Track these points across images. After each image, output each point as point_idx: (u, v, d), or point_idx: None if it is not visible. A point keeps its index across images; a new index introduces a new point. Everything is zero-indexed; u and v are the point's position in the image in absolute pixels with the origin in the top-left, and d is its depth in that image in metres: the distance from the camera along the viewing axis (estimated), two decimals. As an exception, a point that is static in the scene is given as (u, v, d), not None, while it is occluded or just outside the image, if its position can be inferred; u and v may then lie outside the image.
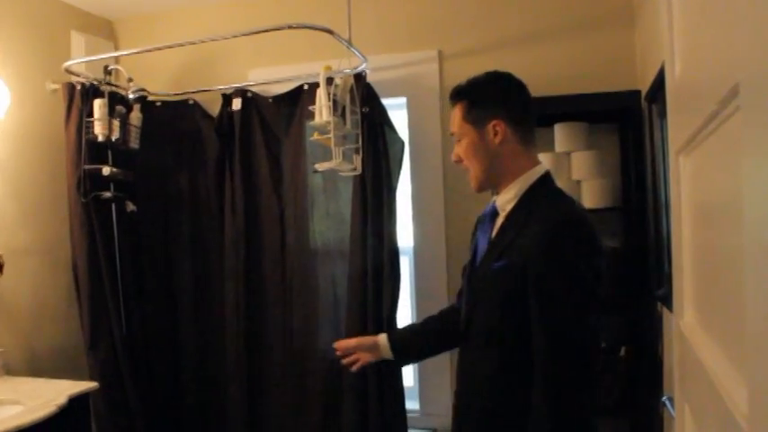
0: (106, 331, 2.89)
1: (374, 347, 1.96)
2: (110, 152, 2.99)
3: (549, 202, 1.60)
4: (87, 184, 2.86)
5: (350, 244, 2.81)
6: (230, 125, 3.05)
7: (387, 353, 1.95)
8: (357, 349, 1.97)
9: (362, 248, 2.75)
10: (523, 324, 1.51)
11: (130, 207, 3.01)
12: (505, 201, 1.65)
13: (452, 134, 1.72)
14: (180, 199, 3.18)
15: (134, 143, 3.01)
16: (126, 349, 2.93)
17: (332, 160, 2.52)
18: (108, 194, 2.91)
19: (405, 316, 2.99)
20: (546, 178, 1.65)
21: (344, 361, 1.99)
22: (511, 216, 1.63)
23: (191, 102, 3.19)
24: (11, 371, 2.76)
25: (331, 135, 2.48)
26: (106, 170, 2.86)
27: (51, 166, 3.02)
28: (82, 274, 2.88)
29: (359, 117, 2.67)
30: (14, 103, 2.77)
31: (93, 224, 2.88)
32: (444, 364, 2.92)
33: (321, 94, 2.49)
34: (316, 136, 2.52)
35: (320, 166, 2.54)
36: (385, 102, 2.82)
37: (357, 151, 2.66)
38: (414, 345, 1.98)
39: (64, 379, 2.65)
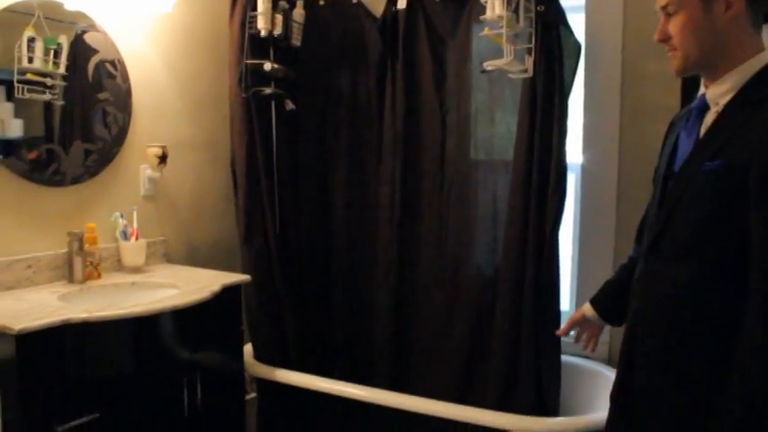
0: (260, 227, 2.90)
1: (586, 321, 1.91)
2: (272, 49, 2.94)
3: None
4: (248, 80, 2.82)
5: (514, 154, 2.61)
6: (394, 25, 2.91)
7: (594, 317, 1.88)
8: (575, 327, 1.95)
9: (527, 160, 2.54)
10: (736, 234, 1.32)
11: (290, 106, 2.96)
12: (720, 93, 1.41)
13: (664, 6, 1.42)
14: (339, 100, 3.09)
15: (296, 40, 2.94)
16: (278, 246, 2.93)
17: (502, 59, 2.33)
18: (268, 91, 2.87)
19: (566, 236, 2.79)
20: None
21: (583, 345, 1.97)
22: (727, 110, 1.39)
23: (354, 1, 3.06)
24: (170, 259, 2.85)
25: (503, 31, 2.28)
26: (267, 66, 2.81)
27: (215, 62, 3.03)
28: (239, 169, 2.88)
29: (533, 15, 2.44)
30: (181, -1, 2.78)
31: (253, 120, 2.86)
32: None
33: (495, -15, 2.29)
34: (486, 32, 2.34)
35: (489, 65, 2.36)
36: (562, 3, 2.56)
37: (529, 52, 2.44)
38: (615, 299, 1.83)
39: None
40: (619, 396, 1.62)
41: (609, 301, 1.87)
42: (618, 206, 2.72)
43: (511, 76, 2.52)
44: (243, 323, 2.64)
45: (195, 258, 2.97)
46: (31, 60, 2.29)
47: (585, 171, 2.80)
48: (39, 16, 2.31)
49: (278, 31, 2.83)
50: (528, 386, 2.54)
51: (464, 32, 2.78)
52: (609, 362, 2.70)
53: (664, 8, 1.43)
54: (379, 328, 2.98)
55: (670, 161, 1.54)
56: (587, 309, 1.89)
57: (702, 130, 1.45)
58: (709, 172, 1.36)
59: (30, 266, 2.32)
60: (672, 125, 1.69)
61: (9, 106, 2.26)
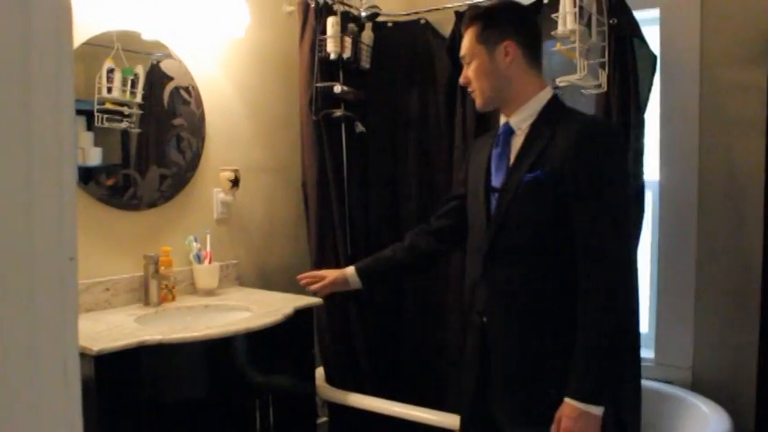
0: (331, 251, 2.89)
1: (345, 282, 2.13)
2: (341, 71, 2.95)
3: (574, 113, 1.71)
4: (319, 102, 2.84)
5: (588, 172, 2.54)
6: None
7: (356, 283, 2.12)
8: (331, 287, 2.15)
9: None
10: (559, 232, 1.60)
11: (359, 128, 2.97)
12: (521, 119, 1.72)
13: (462, 57, 1.78)
14: (408, 121, 3.08)
15: (365, 62, 2.96)
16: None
17: (575, 74, 2.28)
18: (338, 113, 2.89)
19: (644, 254, 2.70)
20: (558, 99, 1.75)
21: (309, 287, 2.17)
22: (532, 132, 1.69)
23: (422, 21, 3.06)
24: (243, 282, 2.87)
25: (575, 46, 2.23)
26: (338, 88, 2.83)
27: (285, 86, 3.07)
28: (311, 192, 2.88)
29: (606, 29, 2.38)
30: (253, 25, 2.79)
31: (324, 143, 2.86)
32: (687, 310, 2.62)
33: None
34: (558, 47, 2.29)
35: (562, 81, 2.31)
36: (635, 15, 2.49)
37: (603, 67, 2.38)
38: (382, 275, 2.19)
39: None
40: (477, 388, 1.85)
41: (377, 277, 2.18)
42: (698, 223, 2.61)
43: (584, 92, 2.46)
44: (315, 346, 2.63)
45: (267, 281, 2.99)
46: (110, 90, 2.37)
47: (663, 188, 2.71)
48: (117, 48, 2.39)
49: (347, 53, 2.85)
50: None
51: (535, 49, 2.74)
52: (692, 387, 2.59)
53: (463, 58, 1.78)
54: (453, 351, 2.92)
55: (486, 179, 1.78)
56: (352, 276, 2.11)
57: (514, 150, 1.72)
58: (529, 182, 1.63)
59: (108, 289, 2.37)
60: (475, 148, 1.96)
61: (89, 135, 2.34)
